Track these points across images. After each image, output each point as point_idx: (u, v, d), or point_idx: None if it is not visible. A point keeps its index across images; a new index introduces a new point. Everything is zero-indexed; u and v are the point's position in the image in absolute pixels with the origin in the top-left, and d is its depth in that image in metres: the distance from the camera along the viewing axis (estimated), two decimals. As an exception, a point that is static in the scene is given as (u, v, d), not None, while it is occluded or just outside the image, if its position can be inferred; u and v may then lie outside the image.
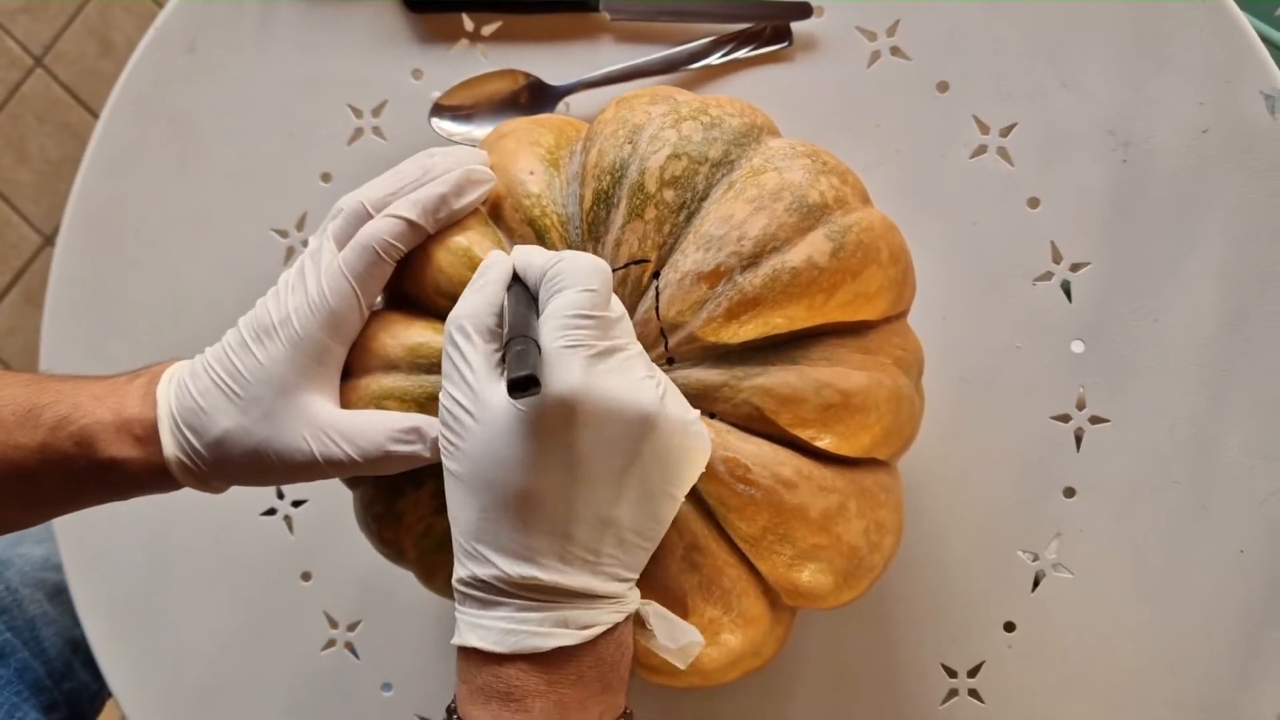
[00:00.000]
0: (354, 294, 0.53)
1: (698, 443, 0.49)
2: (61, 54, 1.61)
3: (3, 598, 0.79)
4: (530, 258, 0.51)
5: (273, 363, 0.53)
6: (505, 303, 0.50)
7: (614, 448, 0.47)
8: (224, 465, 0.53)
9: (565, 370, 0.46)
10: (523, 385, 0.44)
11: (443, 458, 0.49)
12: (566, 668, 0.48)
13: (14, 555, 0.83)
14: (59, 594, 0.82)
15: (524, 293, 0.50)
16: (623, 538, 0.48)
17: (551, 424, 0.46)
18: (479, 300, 0.49)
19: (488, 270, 0.51)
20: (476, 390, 0.48)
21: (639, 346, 0.49)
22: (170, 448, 0.53)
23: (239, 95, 0.77)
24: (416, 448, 0.52)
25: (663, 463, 0.48)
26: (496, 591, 0.48)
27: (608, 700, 0.49)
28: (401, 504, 0.54)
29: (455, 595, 0.50)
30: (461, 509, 0.48)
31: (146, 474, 0.54)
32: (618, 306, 0.49)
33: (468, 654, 0.49)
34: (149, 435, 0.53)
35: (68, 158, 1.62)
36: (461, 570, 0.49)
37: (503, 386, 0.47)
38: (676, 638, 0.51)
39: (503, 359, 0.48)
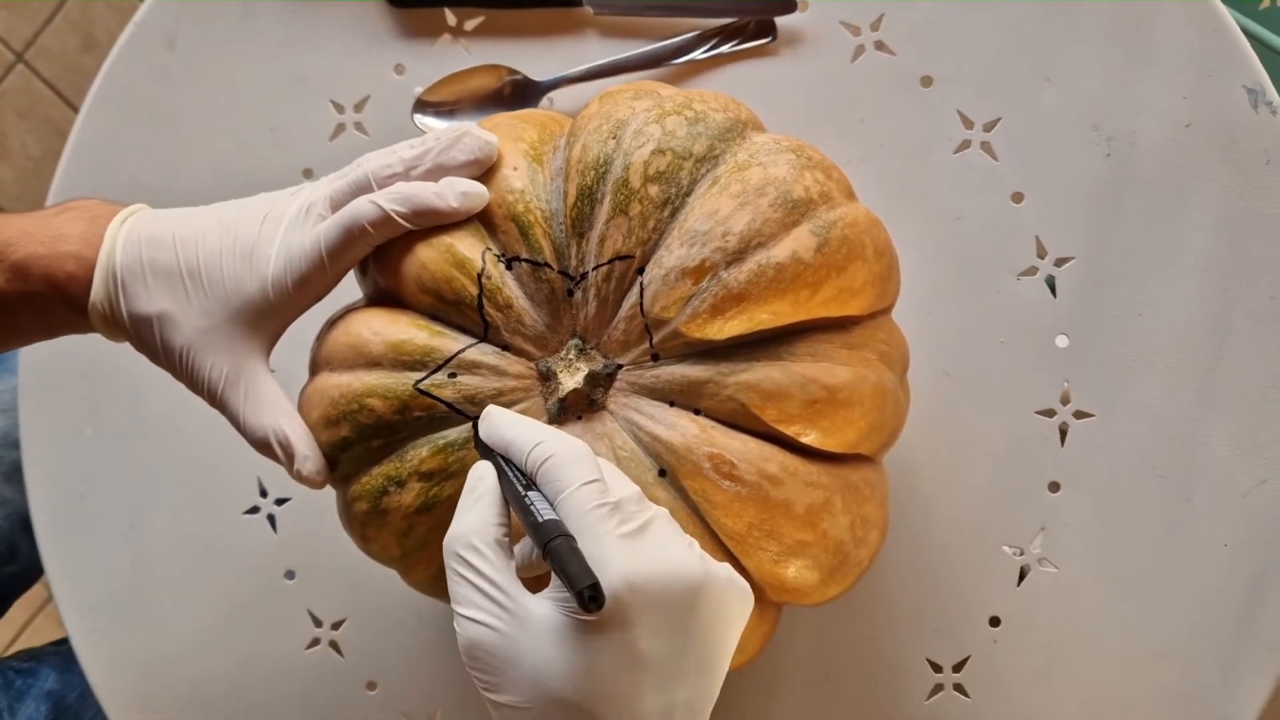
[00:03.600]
0: (324, 264, 0.54)
1: (740, 593, 0.48)
2: (43, 50, 1.60)
3: None
4: (503, 434, 0.49)
5: (238, 289, 0.54)
6: (507, 498, 0.48)
7: (671, 627, 0.45)
8: (137, 332, 0.55)
9: (609, 568, 0.44)
10: (595, 593, 0.42)
11: (489, 695, 0.46)
12: None
13: None
14: (15, 473, 0.81)
15: (515, 483, 0.48)
16: (682, 714, 0.46)
17: (609, 624, 0.44)
18: (482, 515, 0.47)
19: (478, 485, 0.48)
20: (512, 610, 0.45)
21: (663, 511, 0.47)
22: (99, 294, 0.54)
23: (220, 91, 0.77)
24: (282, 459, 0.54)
25: (714, 624, 0.47)
26: None
27: None
28: (385, 502, 0.54)
29: None
30: None
31: (64, 309, 0.56)
32: (624, 482, 0.48)
33: None
34: (83, 273, 0.55)
35: (49, 154, 1.61)
36: None
37: (540, 601, 0.45)
38: None
39: (544, 560, 0.45)
